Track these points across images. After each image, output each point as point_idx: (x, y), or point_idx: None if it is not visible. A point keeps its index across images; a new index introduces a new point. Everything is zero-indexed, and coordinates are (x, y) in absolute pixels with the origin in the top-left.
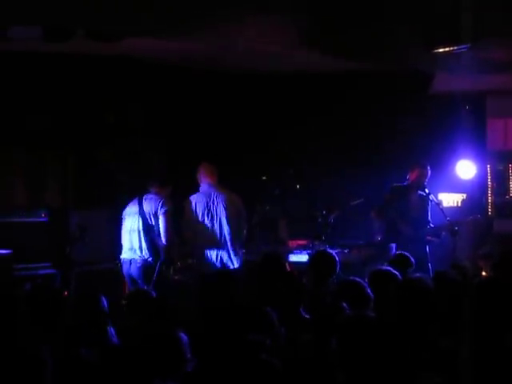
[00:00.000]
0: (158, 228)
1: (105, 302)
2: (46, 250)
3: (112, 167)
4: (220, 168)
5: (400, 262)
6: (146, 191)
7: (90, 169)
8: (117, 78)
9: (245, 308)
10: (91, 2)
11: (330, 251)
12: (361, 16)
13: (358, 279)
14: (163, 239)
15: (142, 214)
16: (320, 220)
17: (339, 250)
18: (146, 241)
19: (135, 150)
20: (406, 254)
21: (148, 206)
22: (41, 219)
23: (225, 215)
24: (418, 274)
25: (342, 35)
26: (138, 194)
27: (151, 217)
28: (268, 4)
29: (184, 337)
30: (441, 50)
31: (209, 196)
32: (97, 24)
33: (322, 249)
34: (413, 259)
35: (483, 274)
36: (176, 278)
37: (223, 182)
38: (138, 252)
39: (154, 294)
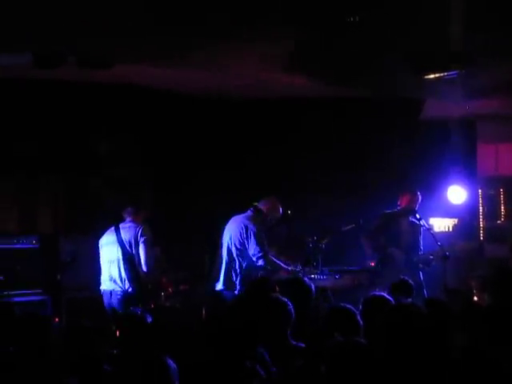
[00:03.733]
0: (139, 256)
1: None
2: (36, 276)
3: (102, 195)
4: (210, 194)
5: (401, 288)
6: (122, 219)
7: (80, 196)
8: (108, 105)
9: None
10: (82, 28)
11: (305, 279)
12: (350, 43)
13: (348, 306)
14: (144, 267)
15: (120, 242)
16: (311, 245)
17: (330, 275)
18: (126, 270)
19: (124, 177)
20: (407, 279)
21: (127, 235)
22: (32, 246)
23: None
24: (409, 300)
25: (331, 62)
26: (113, 223)
27: (131, 245)
28: (256, 30)
29: (172, 364)
30: (431, 76)
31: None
32: (87, 51)
33: (295, 276)
34: (414, 286)
35: (474, 296)
36: (167, 304)
37: (213, 209)
38: (119, 282)
39: (149, 319)
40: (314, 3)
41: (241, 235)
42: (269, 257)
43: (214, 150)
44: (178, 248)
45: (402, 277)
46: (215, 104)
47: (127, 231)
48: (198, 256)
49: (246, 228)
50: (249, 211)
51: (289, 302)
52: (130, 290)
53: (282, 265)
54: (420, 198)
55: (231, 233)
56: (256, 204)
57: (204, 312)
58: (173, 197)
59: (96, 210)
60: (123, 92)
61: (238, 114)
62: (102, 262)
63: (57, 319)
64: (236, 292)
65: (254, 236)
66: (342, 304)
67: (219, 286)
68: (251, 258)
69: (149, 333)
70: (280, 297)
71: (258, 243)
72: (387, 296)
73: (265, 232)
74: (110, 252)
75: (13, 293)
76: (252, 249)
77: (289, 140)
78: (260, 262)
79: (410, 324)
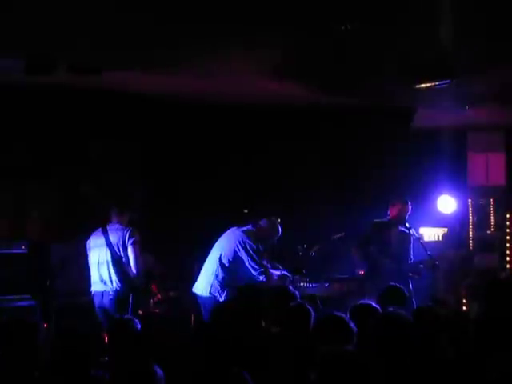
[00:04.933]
0: (127, 258)
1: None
2: (26, 281)
3: (92, 201)
4: (202, 201)
5: (394, 296)
6: (108, 221)
7: (71, 202)
8: (100, 111)
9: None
10: (73, 35)
11: (290, 287)
12: (343, 52)
13: (340, 314)
14: (133, 269)
15: (109, 245)
16: (301, 254)
17: (320, 283)
18: (116, 272)
19: (117, 184)
20: (398, 286)
21: (115, 237)
22: (21, 251)
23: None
24: (391, 308)
25: (324, 71)
26: (100, 226)
27: (119, 247)
28: (249, 38)
29: (159, 371)
30: (422, 86)
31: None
32: (79, 57)
33: (280, 285)
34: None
35: (463, 306)
36: (157, 310)
37: (206, 215)
38: (109, 284)
39: (138, 325)
40: (307, 12)
41: (237, 249)
42: (269, 272)
43: (209, 157)
44: (169, 255)
45: (394, 284)
46: (210, 110)
47: (115, 234)
48: (189, 263)
49: (244, 244)
50: (249, 225)
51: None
52: (120, 290)
53: (275, 275)
54: (410, 208)
55: (226, 244)
56: (246, 212)
57: (193, 319)
58: (166, 203)
59: (86, 216)
60: (116, 98)
61: (234, 120)
62: (90, 264)
63: (46, 325)
64: (219, 299)
65: (253, 252)
66: (336, 312)
67: (203, 292)
68: (242, 272)
69: (138, 340)
70: (306, 304)
71: (257, 259)
72: (374, 304)
73: (262, 248)
74: (98, 254)
75: (2, 298)
76: (253, 265)
77: (281, 149)
78: (261, 278)
79: (398, 333)
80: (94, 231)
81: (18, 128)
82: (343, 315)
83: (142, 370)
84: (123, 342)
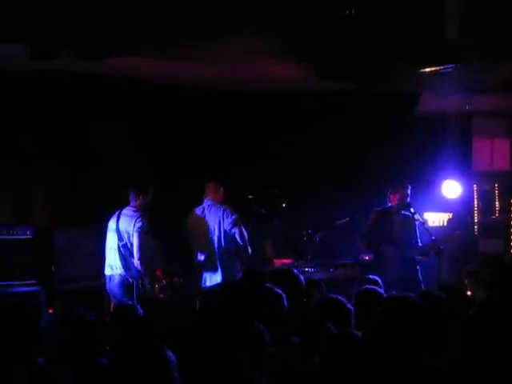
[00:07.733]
0: (132, 245)
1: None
2: (30, 267)
3: (98, 187)
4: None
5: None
6: (127, 204)
7: (76, 188)
8: (105, 97)
9: (235, 325)
10: (78, 20)
11: (294, 270)
12: (347, 37)
13: (336, 295)
14: (135, 255)
15: (117, 231)
16: (305, 239)
17: (324, 268)
18: (120, 258)
19: (121, 170)
20: (375, 277)
21: (124, 223)
22: (26, 236)
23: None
24: (401, 293)
25: (328, 56)
26: (118, 208)
27: (125, 234)
28: (255, 25)
29: (172, 355)
30: (427, 70)
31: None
32: (83, 43)
33: (285, 268)
34: (381, 281)
35: (468, 292)
36: (161, 296)
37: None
38: (115, 269)
39: (140, 311)
40: None
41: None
42: None
43: (212, 142)
44: (173, 240)
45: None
46: (213, 96)
47: (125, 220)
48: (192, 249)
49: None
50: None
51: (283, 295)
52: (125, 276)
53: None
54: (409, 190)
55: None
56: (250, 197)
57: (198, 304)
58: (171, 189)
59: (92, 202)
60: (121, 84)
61: (237, 106)
62: (106, 247)
63: (50, 310)
64: None
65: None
66: (333, 295)
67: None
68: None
69: (141, 325)
70: (275, 288)
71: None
72: (379, 290)
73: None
74: (110, 239)
75: (6, 283)
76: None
77: (286, 134)
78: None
79: (405, 316)
80: (113, 213)
81: (23, 114)
82: (339, 297)
83: (155, 355)
84: (125, 328)
